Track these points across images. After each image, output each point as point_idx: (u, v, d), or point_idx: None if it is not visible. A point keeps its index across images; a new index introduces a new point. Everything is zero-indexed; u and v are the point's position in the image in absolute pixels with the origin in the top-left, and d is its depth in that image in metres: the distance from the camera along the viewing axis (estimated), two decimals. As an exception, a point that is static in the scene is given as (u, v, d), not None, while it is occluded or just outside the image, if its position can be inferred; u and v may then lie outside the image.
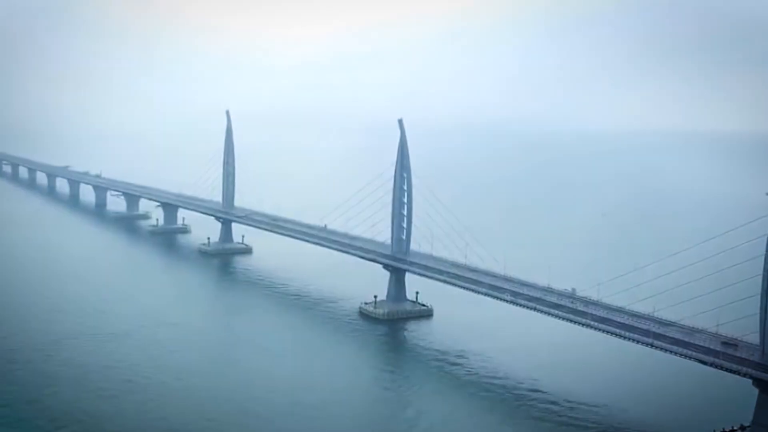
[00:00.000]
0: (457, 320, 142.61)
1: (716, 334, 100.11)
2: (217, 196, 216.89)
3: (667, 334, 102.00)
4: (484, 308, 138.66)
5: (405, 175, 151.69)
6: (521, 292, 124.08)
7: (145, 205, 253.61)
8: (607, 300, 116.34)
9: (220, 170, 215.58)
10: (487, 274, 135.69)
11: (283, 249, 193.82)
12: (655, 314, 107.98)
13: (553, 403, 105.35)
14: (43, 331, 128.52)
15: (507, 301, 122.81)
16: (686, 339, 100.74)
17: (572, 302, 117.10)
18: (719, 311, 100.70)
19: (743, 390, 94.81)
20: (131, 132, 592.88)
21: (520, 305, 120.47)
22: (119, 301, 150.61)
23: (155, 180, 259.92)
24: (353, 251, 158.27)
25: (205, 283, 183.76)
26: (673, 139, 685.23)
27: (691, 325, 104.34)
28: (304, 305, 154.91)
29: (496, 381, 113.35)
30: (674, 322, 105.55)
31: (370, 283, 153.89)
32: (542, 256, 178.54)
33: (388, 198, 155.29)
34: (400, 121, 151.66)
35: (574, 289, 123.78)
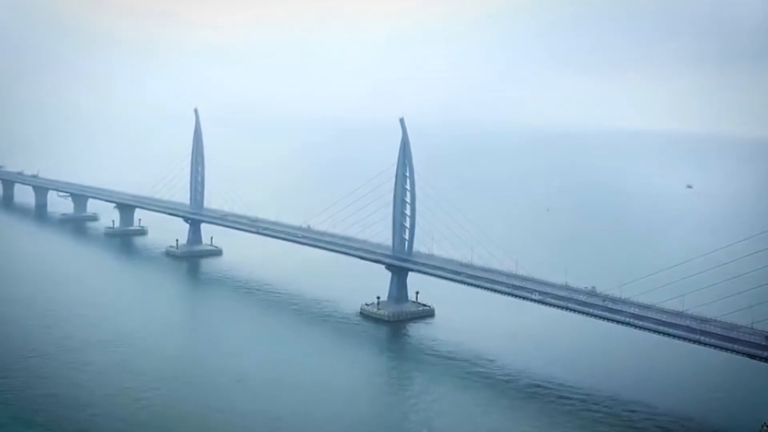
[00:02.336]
0: (459, 320, 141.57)
1: (755, 330, 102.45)
2: (182, 197, 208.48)
3: (710, 330, 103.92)
4: (483, 307, 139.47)
5: (408, 174, 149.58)
6: (544, 291, 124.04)
7: (93, 206, 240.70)
8: (627, 296, 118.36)
9: (186, 170, 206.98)
10: (500, 272, 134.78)
11: (254, 250, 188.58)
12: (688, 311, 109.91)
13: (580, 399, 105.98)
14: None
15: (535, 301, 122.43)
16: (728, 335, 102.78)
17: (603, 300, 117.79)
18: (748, 307, 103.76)
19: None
20: (91, 129, 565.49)
21: (551, 305, 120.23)
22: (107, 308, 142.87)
23: (114, 180, 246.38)
24: (354, 252, 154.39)
25: (187, 289, 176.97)
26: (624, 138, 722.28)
27: (729, 321, 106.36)
28: (300, 308, 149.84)
29: (525, 381, 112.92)
30: (711, 319, 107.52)
31: (362, 284, 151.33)
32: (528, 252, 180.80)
33: (380, 198, 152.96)
34: (402, 120, 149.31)
35: (594, 287, 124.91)
